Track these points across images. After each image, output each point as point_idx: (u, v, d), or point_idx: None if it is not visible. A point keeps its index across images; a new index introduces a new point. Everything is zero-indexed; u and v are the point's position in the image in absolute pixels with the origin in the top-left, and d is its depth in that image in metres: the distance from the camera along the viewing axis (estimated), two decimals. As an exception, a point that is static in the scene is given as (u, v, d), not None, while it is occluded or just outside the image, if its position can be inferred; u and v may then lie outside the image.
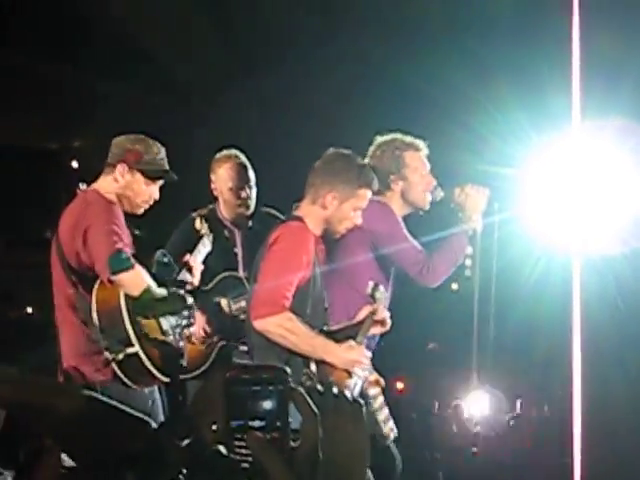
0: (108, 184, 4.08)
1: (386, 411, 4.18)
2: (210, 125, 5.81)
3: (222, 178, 4.86)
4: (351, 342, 3.86)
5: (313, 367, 3.78)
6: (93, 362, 3.88)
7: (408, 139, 4.42)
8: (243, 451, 1.39)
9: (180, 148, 5.55)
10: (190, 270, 4.24)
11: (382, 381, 4.19)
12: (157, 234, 4.82)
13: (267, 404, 1.40)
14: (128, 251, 3.83)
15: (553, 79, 4.94)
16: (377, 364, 4.30)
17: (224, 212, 4.93)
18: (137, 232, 5.46)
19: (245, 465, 1.39)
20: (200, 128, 5.79)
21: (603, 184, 4.79)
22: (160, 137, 4.27)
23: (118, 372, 3.79)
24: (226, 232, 4.90)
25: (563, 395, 4.78)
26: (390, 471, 4.15)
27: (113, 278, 3.77)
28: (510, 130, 4.95)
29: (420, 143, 4.42)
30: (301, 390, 1.43)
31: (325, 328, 3.91)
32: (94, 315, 3.81)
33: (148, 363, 3.80)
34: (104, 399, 2.66)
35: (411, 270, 4.25)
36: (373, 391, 4.17)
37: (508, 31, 5.36)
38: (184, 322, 4.04)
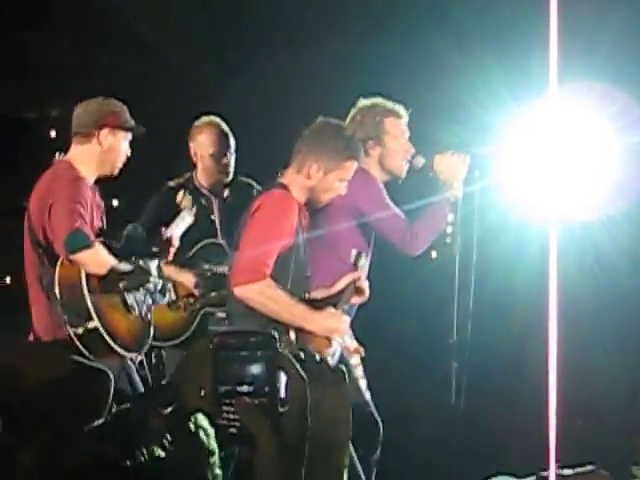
0: (88, 152, 4.08)
1: (365, 382, 4.19)
2: (190, 93, 5.75)
3: (203, 144, 4.87)
4: (331, 309, 3.85)
5: (292, 335, 3.75)
6: (57, 337, 3.91)
7: (390, 105, 4.40)
8: (231, 416, 1.37)
9: (159, 116, 5.51)
10: (168, 244, 4.25)
11: (362, 350, 4.20)
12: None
13: (255, 369, 1.38)
14: (87, 230, 3.86)
15: (531, 44, 4.91)
16: (356, 333, 4.31)
17: (202, 180, 4.92)
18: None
19: (233, 430, 1.38)
20: (180, 96, 5.73)
21: (581, 151, 4.78)
22: (141, 106, 4.25)
23: (79, 345, 3.80)
24: (203, 200, 4.90)
25: (539, 363, 4.79)
26: (373, 437, 4.16)
27: (72, 257, 3.82)
28: (489, 96, 4.93)
29: (401, 110, 4.40)
30: (289, 355, 1.43)
31: (306, 296, 3.90)
32: (56, 290, 3.85)
33: (108, 338, 3.82)
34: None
35: (393, 238, 4.25)
36: (354, 360, 4.17)
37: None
38: (152, 297, 4.06)
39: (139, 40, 5.84)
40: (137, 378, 4.03)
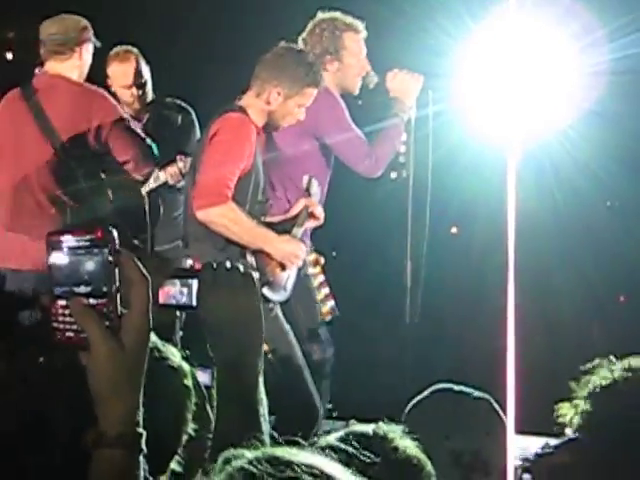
0: (70, 68, 4.21)
1: (326, 290, 4.21)
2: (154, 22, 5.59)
3: (112, 75, 4.84)
4: (288, 236, 3.85)
5: (249, 258, 3.76)
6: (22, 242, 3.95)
7: (349, 20, 4.33)
8: (67, 319, 1.31)
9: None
10: None
11: (322, 260, 4.21)
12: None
13: (92, 268, 1.30)
14: None
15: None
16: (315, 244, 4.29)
17: (123, 106, 4.93)
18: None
19: (70, 334, 1.31)
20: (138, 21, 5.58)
21: (541, 71, 4.72)
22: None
23: None
24: None
25: (498, 283, 4.79)
26: (325, 360, 4.17)
27: None
28: (445, 14, 4.85)
29: (360, 25, 4.33)
30: (128, 252, 1.35)
31: (263, 219, 3.89)
32: None
33: None
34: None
35: (357, 162, 4.21)
36: (312, 270, 4.18)
37: None
38: None
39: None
40: None
